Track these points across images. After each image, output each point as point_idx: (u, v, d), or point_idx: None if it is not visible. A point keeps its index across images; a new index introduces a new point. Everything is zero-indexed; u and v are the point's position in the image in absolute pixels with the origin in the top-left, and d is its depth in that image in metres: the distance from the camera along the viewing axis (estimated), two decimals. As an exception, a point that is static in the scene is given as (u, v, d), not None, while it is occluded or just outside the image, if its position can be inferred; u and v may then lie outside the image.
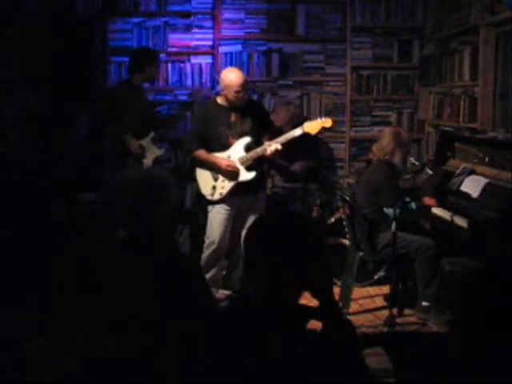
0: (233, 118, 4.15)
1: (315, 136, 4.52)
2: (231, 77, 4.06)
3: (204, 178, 4.26)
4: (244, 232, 4.15)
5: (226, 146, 4.17)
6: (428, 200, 4.19)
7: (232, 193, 4.17)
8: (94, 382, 2.08)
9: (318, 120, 4.15)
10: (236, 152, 4.16)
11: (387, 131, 4.32)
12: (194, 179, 4.39)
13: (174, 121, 5.22)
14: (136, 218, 2.20)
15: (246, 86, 4.10)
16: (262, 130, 4.22)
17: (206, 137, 4.20)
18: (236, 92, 4.05)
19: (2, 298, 3.60)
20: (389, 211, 3.98)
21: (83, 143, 5.34)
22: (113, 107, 4.59)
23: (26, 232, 4.32)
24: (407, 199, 4.03)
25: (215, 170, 4.18)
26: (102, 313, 2.15)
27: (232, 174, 4.14)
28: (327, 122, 4.13)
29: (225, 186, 4.18)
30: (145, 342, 2.05)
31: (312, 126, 4.09)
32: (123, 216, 2.23)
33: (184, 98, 5.51)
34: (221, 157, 4.17)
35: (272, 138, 4.15)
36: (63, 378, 2.30)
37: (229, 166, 4.12)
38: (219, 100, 4.20)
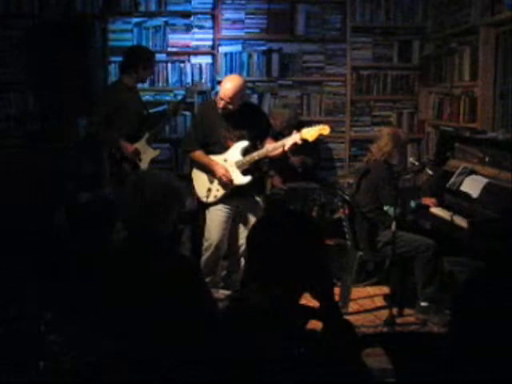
0: (232, 121, 4.14)
1: None
2: (223, 86, 4.05)
3: (200, 179, 4.25)
4: (245, 233, 4.16)
5: (224, 149, 4.16)
6: (427, 200, 4.19)
7: (227, 196, 4.16)
8: (93, 382, 2.08)
9: (316, 127, 4.12)
10: (233, 155, 4.15)
11: (385, 131, 4.33)
12: (192, 180, 4.39)
13: (167, 120, 5.07)
14: (146, 220, 2.20)
15: (234, 99, 4.00)
16: (260, 134, 4.21)
17: (205, 138, 4.20)
18: (222, 100, 4.02)
19: (2, 297, 3.60)
20: (388, 209, 3.98)
21: (83, 143, 5.33)
22: (103, 113, 4.49)
23: (27, 232, 4.32)
24: (407, 199, 4.03)
25: (211, 173, 4.18)
26: (101, 313, 2.15)
27: (225, 183, 4.12)
28: (325, 130, 4.03)
29: (220, 189, 4.17)
30: (144, 342, 2.05)
31: (309, 133, 4.04)
32: (131, 216, 2.22)
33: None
34: (218, 162, 4.14)
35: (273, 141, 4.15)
36: (63, 377, 2.30)
37: (224, 175, 4.10)
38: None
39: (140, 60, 4.55)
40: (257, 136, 4.19)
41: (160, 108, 5.38)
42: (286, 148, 4.03)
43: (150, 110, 5.01)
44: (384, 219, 4.06)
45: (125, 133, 4.49)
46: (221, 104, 4.04)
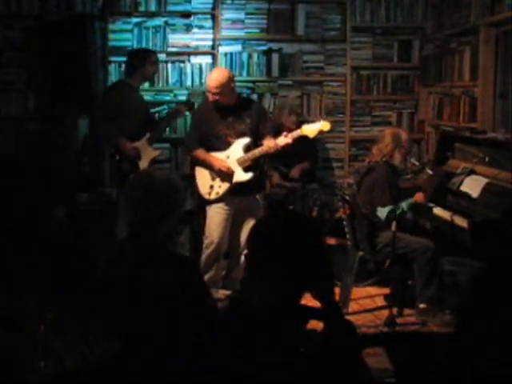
0: (230, 117, 4.15)
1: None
2: (208, 78, 4.10)
3: (202, 176, 4.26)
4: (245, 230, 4.16)
5: (225, 145, 4.17)
6: (419, 196, 4.12)
7: (229, 193, 4.17)
8: (93, 381, 2.08)
9: (317, 123, 4.13)
10: (235, 152, 4.16)
11: (386, 132, 4.30)
12: (193, 179, 4.39)
13: (169, 120, 5.09)
14: (146, 219, 2.20)
15: (220, 89, 4.00)
16: (261, 129, 4.21)
17: (205, 136, 4.20)
18: (210, 93, 4.05)
19: (2, 297, 3.60)
20: (381, 211, 3.97)
21: (83, 143, 5.33)
22: (105, 110, 4.53)
23: (27, 232, 4.32)
24: (399, 203, 3.99)
25: (212, 169, 4.19)
26: (101, 313, 2.15)
27: (226, 175, 4.13)
28: (325, 126, 4.10)
29: (222, 185, 4.17)
30: (144, 342, 2.05)
31: (310, 130, 4.07)
32: (132, 216, 2.22)
33: (184, 98, 5.51)
34: (217, 157, 4.16)
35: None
36: (62, 377, 2.30)
37: (223, 166, 4.11)
38: None
39: (137, 61, 4.59)
40: (257, 131, 4.19)
41: (160, 108, 5.39)
42: (282, 143, 4.04)
43: (152, 110, 5.03)
44: (384, 221, 4.04)
45: (126, 132, 4.49)
46: (210, 97, 4.07)
